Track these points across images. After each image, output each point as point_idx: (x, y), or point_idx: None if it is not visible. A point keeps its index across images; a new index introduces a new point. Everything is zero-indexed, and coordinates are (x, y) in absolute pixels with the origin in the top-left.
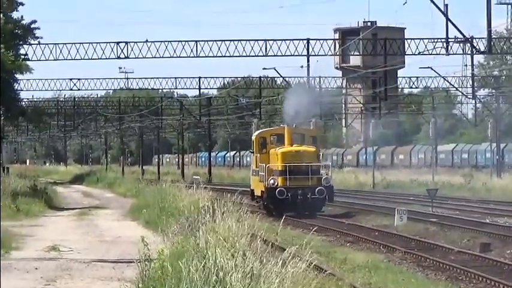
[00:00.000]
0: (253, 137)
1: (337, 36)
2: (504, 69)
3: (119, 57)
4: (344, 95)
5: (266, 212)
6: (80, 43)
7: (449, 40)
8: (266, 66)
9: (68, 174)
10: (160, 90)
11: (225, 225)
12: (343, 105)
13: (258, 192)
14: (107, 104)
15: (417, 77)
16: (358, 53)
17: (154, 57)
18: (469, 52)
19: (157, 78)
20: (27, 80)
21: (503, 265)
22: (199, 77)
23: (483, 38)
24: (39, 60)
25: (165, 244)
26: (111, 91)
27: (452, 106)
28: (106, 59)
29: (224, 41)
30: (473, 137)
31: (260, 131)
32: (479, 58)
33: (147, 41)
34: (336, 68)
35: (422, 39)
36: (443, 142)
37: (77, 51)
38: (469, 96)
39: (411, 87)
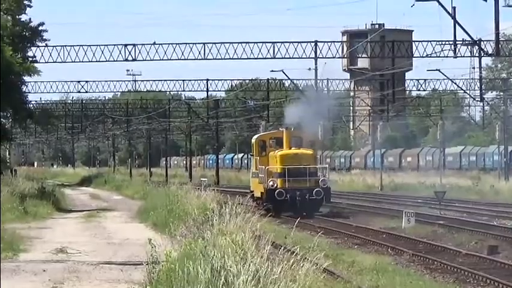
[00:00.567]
0: (253, 140)
1: (345, 38)
2: None
3: (126, 60)
4: (352, 98)
5: (266, 212)
6: (88, 45)
7: (457, 42)
8: (274, 68)
9: (75, 176)
10: (168, 93)
11: (233, 228)
12: (351, 108)
13: (257, 194)
14: (115, 106)
15: (425, 80)
16: (366, 56)
17: (162, 60)
18: (477, 54)
19: (165, 80)
20: (35, 82)
21: (511, 268)
22: (207, 79)
23: (491, 40)
24: (47, 62)
25: (173, 246)
26: (119, 93)
27: (460, 108)
28: (114, 61)
29: (232, 43)
30: (481, 139)
31: (259, 134)
32: (487, 60)
33: (154, 43)
34: (344, 70)
35: (430, 41)
36: (451, 144)
37: (85, 54)
38: (477, 99)
39: (419, 90)
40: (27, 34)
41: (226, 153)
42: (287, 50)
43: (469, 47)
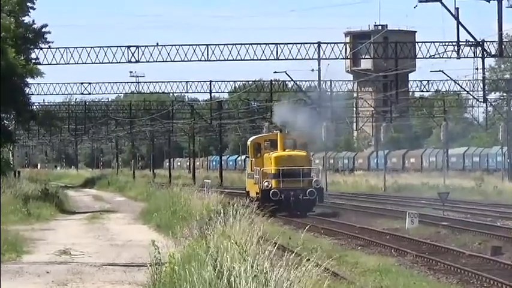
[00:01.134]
0: (248, 143)
1: (348, 39)
2: None
3: (129, 61)
4: (355, 99)
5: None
6: (91, 47)
7: (461, 43)
8: (277, 69)
9: (78, 178)
10: (171, 94)
11: (236, 229)
12: (354, 109)
13: (253, 194)
14: (118, 108)
15: (428, 81)
16: (369, 57)
17: (165, 61)
18: (480, 55)
19: (168, 82)
20: (38, 84)
21: None
22: (210, 81)
23: (494, 41)
24: (50, 64)
25: (176, 248)
26: (122, 95)
27: (463, 110)
28: (117, 63)
29: (235, 44)
30: (485, 140)
31: (255, 136)
32: (490, 61)
33: (157, 44)
34: (347, 71)
35: (434, 42)
36: (455, 146)
37: (88, 55)
38: (480, 100)
39: (422, 91)
40: (30, 36)
41: (229, 155)
42: (290, 51)
43: (472, 47)
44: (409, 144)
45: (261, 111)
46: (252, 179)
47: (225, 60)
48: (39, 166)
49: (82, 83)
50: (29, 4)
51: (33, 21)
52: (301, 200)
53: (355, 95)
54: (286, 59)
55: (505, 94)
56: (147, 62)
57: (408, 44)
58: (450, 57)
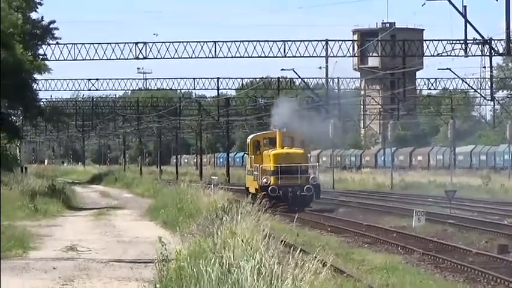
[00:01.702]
0: (248, 140)
1: (355, 37)
2: None
3: (137, 58)
4: (362, 96)
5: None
6: (99, 43)
7: (468, 41)
8: (284, 67)
9: (86, 174)
10: (178, 91)
11: (243, 226)
12: (362, 107)
13: (252, 190)
14: (125, 104)
15: (435, 79)
16: (376, 54)
17: (173, 58)
18: (488, 54)
19: (176, 78)
20: (46, 80)
21: None
22: (218, 78)
23: (502, 39)
24: (58, 60)
25: (183, 245)
26: (130, 91)
27: (470, 108)
28: (124, 59)
29: (243, 41)
30: (492, 138)
31: (254, 134)
32: (498, 60)
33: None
34: (355, 69)
35: (441, 40)
36: (462, 144)
37: (96, 52)
38: (487, 98)
39: (429, 89)
40: (38, 32)
41: (236, 152)
42: (298, 49)
43: (480, 46)
44: (416, 142)
45: (268, 108)
46: (252, 176)
47: (232, 57)
48: (46, 162)
49: (89, 79)
50: (36, 0)
51: (42, 17)
52: (299, 196)
53: (362, 92)
54: (293, 57)
55: None
56: (154, 58)
57: (416, 42)
58: (458, 55)
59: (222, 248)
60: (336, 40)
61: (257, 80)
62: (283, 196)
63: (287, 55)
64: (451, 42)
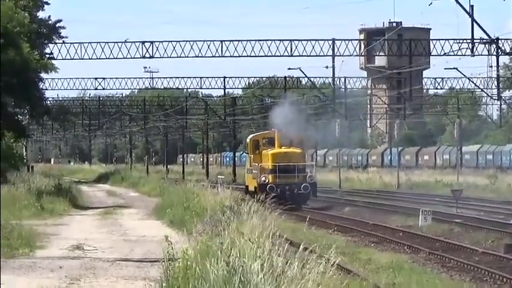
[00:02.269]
0: (248, 140)
1: (362, 36)
2: None
3: (144, 57)
4: (369, 96)
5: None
6: (105, 42)
7: (475, 41)
8: (291, 66)
9: (92, 173)
10: (185, 90)
11: (249, 225)
12: (368, 106)
13: (251, 188)
14: (132, 104)
15: (442, 78)
16: (383, 54)
17: (180, 57)
18: (495, 53)
19: (182, 77)
20: (52, 79)
21: None
22: (224, 77)
23: (509, 39)
24: (65, 59)
25: (190, 243)
26: (136, 90)
27: (477, 107)
28: (131, 58)
29: (249, 40)
30: (498, 138)
31: (253, 134)
32: (504, 59)
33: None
34: (361, 68)
35: (448, 40)
36: (468, 143)
37: (102, 51)
38: (494, 98)
39: (436, 88)
40: (44, 31)
41: (243, 151)
42: (304, 48)
43: (487, 45)
44: (423, 141)
45: (274, 107)
46: (251, 174)
47: (239, 56)
48: (52, 161)
49: (96, 78)
50: None
51: (49, 16)
52: (296, 194)
53: (369, 92)
54: (300, 56)
55: None
56: (161, 57)
57: (422, 41)
58: (464, 55)
59: (228, 247)
60: (342, 39)
61: (264, 79)
62: (281, 194)
63: (294, 54)
64: (458, 41)
